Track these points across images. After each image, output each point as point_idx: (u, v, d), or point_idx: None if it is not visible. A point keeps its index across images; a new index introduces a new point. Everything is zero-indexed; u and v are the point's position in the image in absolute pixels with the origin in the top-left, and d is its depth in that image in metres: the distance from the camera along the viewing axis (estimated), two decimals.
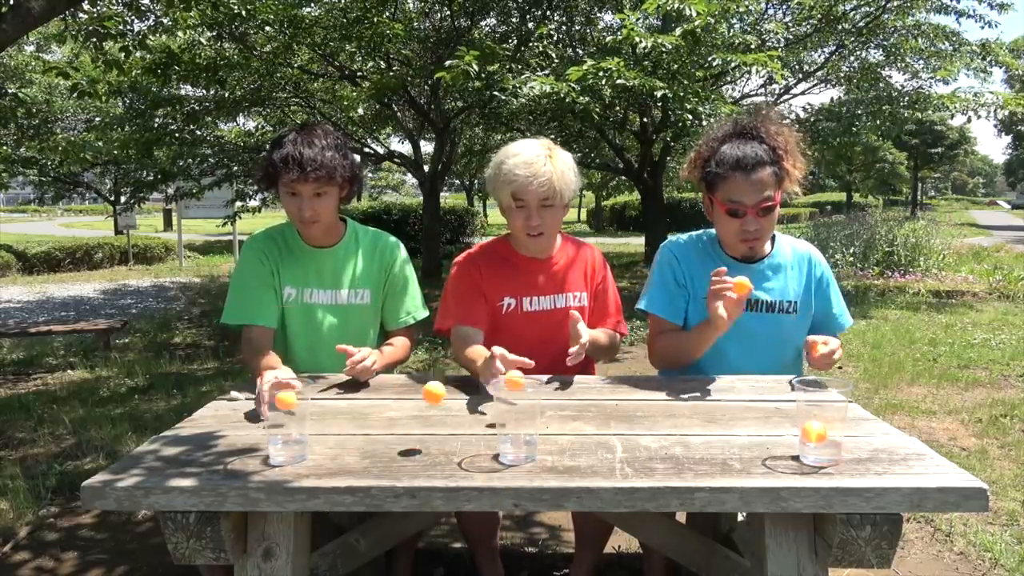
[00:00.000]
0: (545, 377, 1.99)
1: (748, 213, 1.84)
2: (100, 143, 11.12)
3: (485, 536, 2.16)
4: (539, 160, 1.93)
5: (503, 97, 6.43)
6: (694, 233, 2.06)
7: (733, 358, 1.97)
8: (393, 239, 2.21)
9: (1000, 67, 9.86)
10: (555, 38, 9.13)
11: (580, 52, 9.18)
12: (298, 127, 2.04)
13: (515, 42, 8.78)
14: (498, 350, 1.68)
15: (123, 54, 5.32)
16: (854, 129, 9.46)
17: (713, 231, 2.02)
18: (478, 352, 1.89)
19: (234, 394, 1.82)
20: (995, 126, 9.59)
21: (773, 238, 2.03)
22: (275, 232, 2.12)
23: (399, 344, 2.16)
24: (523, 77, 6.37)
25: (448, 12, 9.05)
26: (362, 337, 2.10)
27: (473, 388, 1.86)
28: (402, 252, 2.20)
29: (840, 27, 9.30)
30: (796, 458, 1.32)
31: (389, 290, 2.15)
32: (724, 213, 1.87)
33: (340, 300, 2.09)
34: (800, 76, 10.75)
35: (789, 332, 1.98)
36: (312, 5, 8.29)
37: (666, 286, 1.99)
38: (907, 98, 9.38)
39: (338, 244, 2.11)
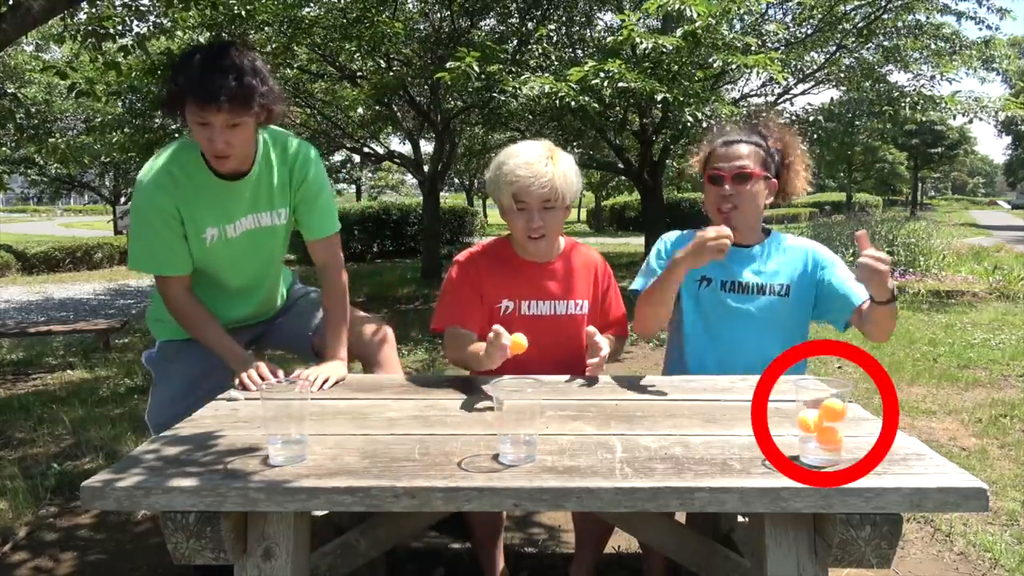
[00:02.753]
0: (545, 377, 2.00)
1: (725, 180, 1.95)
2: (98, 146, 11.10)
3: (489, 536, 2.16)
4: (540, 161, 1.92)
5: (503, 98, 6.43)
6: (688, 231, 2.11)
7: (728, 338, 2.02)
8: (305, 148, 2.03)
9: (1002, 68, 9.85)
10: (555, 39, 9.13)
11: (580, 53, 9.17)
12: (208, 46, 1.81)
13: (515, 43, 8.78)
14: (498, 327, 1.73)
15: (122, 54, 5.32)
16: (852, 130, 9.45)
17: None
18: (477, 347, 1.88)
19: (234, 394, 1.82)
20: (995, 126, 9.59)
21: (768, 232, 2.10)
22: (175, 168, 1.87)
23: (334, 308, 2.07)
24: (523, 78, 6.37)
25: (448, 12, 9.06)
26: (270, 256, 2.10)
27: (473, 388, 1.86)
28: (314, 161, 2.03)
29: (840, 27, 9.30)
30: (796, 458, 1.32)
31: (302, 199, 2.03)
32: (707, 182, 2.00)
33: (262, 223, 2.01)
34: (800, 76, 10.74)
35: (782, 315, 2.02)
36: (312, 5, 8.29)
37: (661, 267, 2.00)
38: (908, 99, 9.36)
39: (252, 169, 1.92)
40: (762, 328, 2.01)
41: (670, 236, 2.13)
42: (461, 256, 2.11)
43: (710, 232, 1.74)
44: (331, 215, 2.11)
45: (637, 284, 2.07)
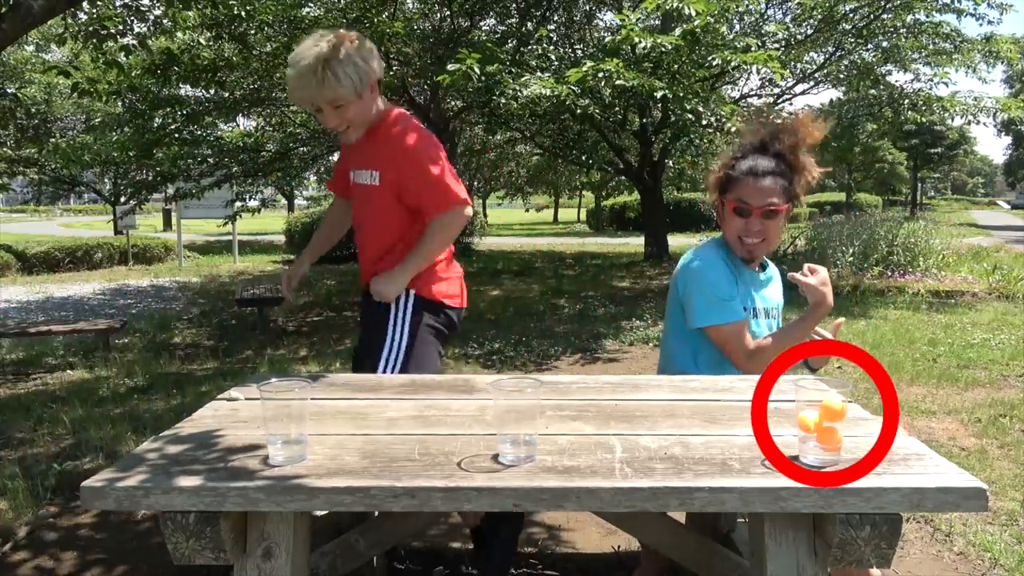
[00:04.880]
0: (545, 377, 2.00)
1: (753, 214, 1.97)
2: (98, 145, 11.10)
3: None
4: (305, 76, 1.94)
5: (503, 100, 6.43)
6: (706, 247, 2.09)
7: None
8: None
9: (1002, 61, 9.83)
10: (554, 39, 9.14)
11: (579, 53, 9.18)
12: None
13: (514, 43, 8.78)
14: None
15: (123, 54, 5.32)
16: (854, 131, 9.48)
17: (719, 238, 2.11)
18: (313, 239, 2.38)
19: (234, 394, 1.82)
20: (995, 126, 9.63)
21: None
22: None
23: None
24: (523, 79, 6.38)
25: (448, 12, 9.06)
26: None
27: (473, 388, 1.86)
28: None
29: (840, 27, 9.31)
30: (796, 458, 1.32)
31: None
32: (732, 212, 2.00)
33: None
34: (800, 77, 10.75)
35: None
36: (312, 5, 8.29)
37: (730, 288, 1.99)
38: (908, 100, 9.37)
39: None
40: None
41: (704, 256, 2.03)
42: None
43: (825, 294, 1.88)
44: None
45: (714, 318, 1.97)
